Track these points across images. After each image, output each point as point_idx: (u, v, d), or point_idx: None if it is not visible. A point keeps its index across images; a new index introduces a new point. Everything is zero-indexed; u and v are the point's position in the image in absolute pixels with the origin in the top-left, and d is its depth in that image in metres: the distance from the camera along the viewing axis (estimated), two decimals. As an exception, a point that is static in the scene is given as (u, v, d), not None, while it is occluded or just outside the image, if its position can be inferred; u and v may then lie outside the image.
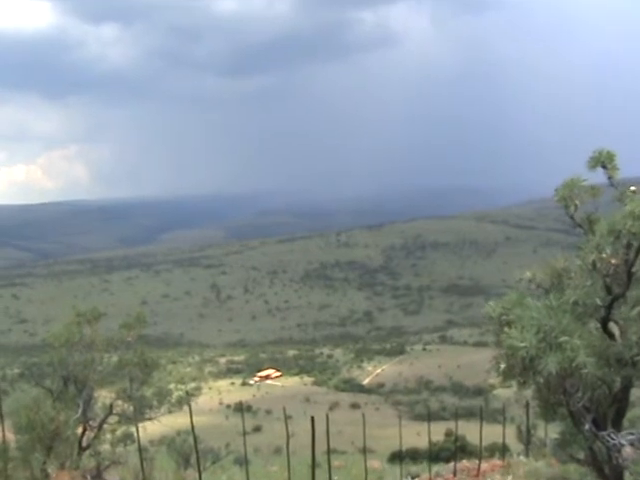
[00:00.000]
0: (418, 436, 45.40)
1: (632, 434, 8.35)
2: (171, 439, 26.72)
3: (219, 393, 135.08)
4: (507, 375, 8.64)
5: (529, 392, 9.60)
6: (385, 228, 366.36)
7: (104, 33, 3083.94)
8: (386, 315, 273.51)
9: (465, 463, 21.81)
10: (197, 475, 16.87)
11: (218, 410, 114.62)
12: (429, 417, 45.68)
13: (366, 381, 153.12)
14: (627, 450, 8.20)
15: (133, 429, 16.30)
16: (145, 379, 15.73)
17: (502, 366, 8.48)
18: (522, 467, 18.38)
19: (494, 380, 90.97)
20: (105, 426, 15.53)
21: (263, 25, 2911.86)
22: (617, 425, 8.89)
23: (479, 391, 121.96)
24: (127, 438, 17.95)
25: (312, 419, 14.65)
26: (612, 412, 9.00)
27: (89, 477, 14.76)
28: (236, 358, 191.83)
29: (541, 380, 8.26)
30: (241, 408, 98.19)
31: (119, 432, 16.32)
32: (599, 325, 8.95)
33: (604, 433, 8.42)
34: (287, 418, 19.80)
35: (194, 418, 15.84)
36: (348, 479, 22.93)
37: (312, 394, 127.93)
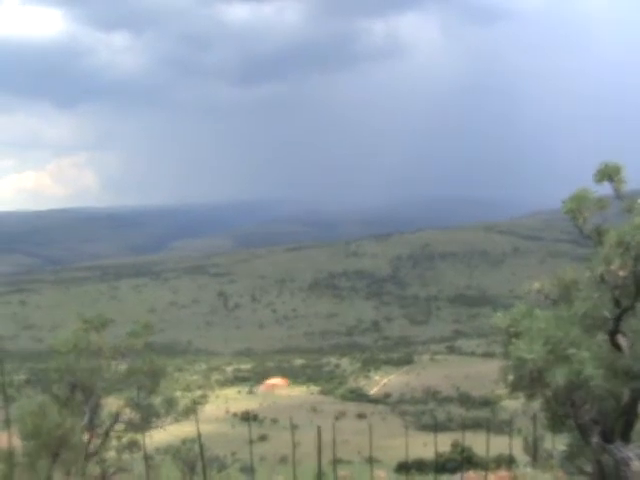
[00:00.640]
0: (425, 447, 45.23)
1: (640, 447, 8.30)
2: (177, 447, 26.68)
3: (225, 401, 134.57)
4: (515, 387, 8.62)
5: (537, 404, 9.55)
6: (393, 238, 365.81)
7: (115, 41, 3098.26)
8: (393, 325, 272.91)
9: (472, 474, 21.73)
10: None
11: (224, 419, 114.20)
12: (436, 428, 45.55)
13: (373, 391, 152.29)
14: (635, 463, 8.14)
15: (139, 437, 16.29)
16: (153, 387, 15.72)
17: (510, 378, 8.45)
18: (529, 479, 18.28)
19: (502, 391, 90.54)
20: (111, 433, 15.53)
21: (273, 34, 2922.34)
22: (625, 438, 8.83)
23: (486, 402, 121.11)
24: (133, 446, 17.95)
25: (318, 429, 14.64)
26: (620, 425, 8.94)
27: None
28: (243, 366, 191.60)
29: (549, 392, 8.23)
30: (247, 417, 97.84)
31: (125, 439, 16.31)
32: (607, 337, 8.90)
33: (612, 446, 8.37)
34: (293, 427, 19.78)
35: (200, 426, 15.83)
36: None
37: (318, 403, 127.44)
